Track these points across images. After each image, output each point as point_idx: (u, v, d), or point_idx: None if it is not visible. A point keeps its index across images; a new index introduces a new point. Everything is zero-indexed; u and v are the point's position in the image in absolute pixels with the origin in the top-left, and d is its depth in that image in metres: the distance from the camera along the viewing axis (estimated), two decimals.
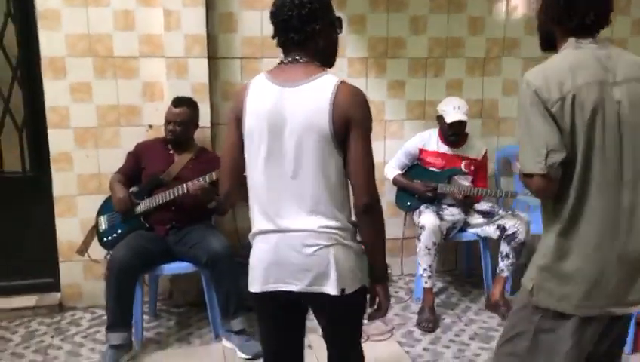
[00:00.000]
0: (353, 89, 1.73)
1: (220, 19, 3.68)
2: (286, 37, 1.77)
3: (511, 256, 3.55)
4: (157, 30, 3.56)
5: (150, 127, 3.66)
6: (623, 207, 1.69)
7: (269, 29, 3.71)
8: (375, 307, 1.88)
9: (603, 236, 1.69)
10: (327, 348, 1.96)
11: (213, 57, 3.67)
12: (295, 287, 1.76)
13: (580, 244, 1.71)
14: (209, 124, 3.63)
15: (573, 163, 1.67)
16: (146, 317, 3.44)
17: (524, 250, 3.58)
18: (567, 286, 1.73)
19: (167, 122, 3.30)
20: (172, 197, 3.16)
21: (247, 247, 1.85)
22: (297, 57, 1.76)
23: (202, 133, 3.55)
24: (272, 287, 1.78)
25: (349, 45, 3.86)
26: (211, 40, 3.63)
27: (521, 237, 3.52)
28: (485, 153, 3.84)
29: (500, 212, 3.70)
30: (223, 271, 3.07)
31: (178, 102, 3.31)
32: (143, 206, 3.24)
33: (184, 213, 3.24)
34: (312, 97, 1.70)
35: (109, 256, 3.24)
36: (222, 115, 3.75)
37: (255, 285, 1.81)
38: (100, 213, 3.38)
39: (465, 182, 3.78)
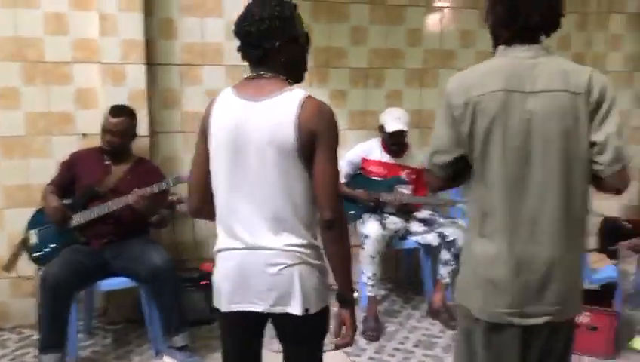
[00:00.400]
0: (319, 104, 1.69)
1: (159, 25, 3.57)
2: (246, 52, 1.72)
3: (451, 263, 3.62)
4: (92, 35, 3.41)
5: (84, 135, 3.50)
6: (524, 215, 1.69)
7: (209, 35, 3.73)
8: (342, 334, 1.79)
9: (502, 241, 1.70)
10: None
11: (152, 64, 3.56)
12: (260, 308, 1.71)
13: (484, 246, 1.74)
14: (147, 133, 3.51)
15: (474, 167, 1.72)
16: (80, 335, 3.27)
17: None
18: (475, 286, 1.77)
19: (105, 132, 3.16)
20: (106, 211, 3.03)
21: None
22: (262, 72, 1.72)
23: (140, 142, 3.43)
24: (237, 307, 1.73)
25: None
26: (149, 46, 3.51)
27: (460, 243, 3.60)
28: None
29: (440, 220, 3.77)
30: (165, 286, 2.96)
31: (117, 111, 3.17)
32: (79, 219, 3.08)
33: (123, 226, 3.11)
34: (276, 112, 1.66)
35: (41, 273, 3.07)
36: (160, 123, 3.64)
37: (220, 304, 1.76)
38: (30, 227, 3.19)
39: (406, 190, 3.84)
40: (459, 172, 1.78)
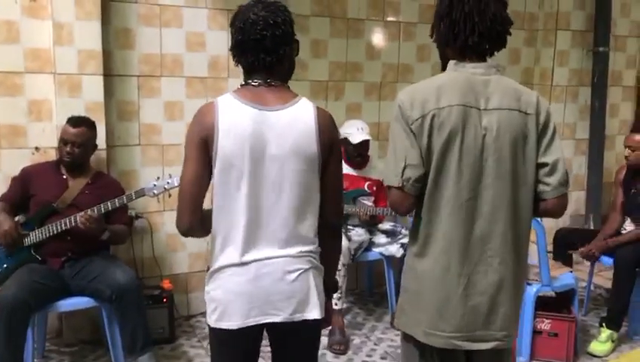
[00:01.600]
0: (328, 114, 1.75)
1: (116, 35, 3.46)
2: (256, 57, 1.67)
3: None
4: (45, 44, 3.26)
5: (36, 149, 3.33)
6: (474, 235, 1.67)
7: (168, 46, 3.66)
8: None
9: (449, 262, 1.67)
10: None
11: (109, 75, 3.43)
12: (278, 318, 1.69)
13: (430, 267, 1.70)
14: (104, 146, 3.38)
15: (425, 182, 1.68)
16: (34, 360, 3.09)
17: None
18: (419, 310, 1.73)
19: (64, 143, 3.02)
20: (63, 227, 2.89)
21: None
22: (268, 80, 1.69)
23: (97, 156, 3.29)
24: (253, 321, 1.68)
25: None
26: (106, 56, 3.39)
27: None
28: None
29: (403, 231, 3.81)
30: (129, 305, 2.84)
31: (77, 121, 3.04)
32: (33, 237, 2.92)
33: (81, 243, 2.97)
34: (297, 122, 1.67)
35: None
36: (117, 136, 3.52)
37: (232, 321, 1.68)
38: None
39: (368, 202, 3.85)
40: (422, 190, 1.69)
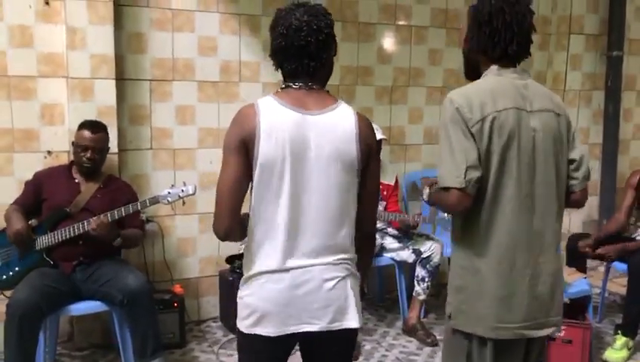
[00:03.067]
0: (368, 119, 1.74)
1: (129, 39, 3.47)
2: (299, 63, 1.65)
3: (427, 279, 3.64)
4: (59, 48, 3.28)
5: (49, 153, 3.34)
6: (534, 229, 1.77)
7: (180, 51, 3.66)
8: None
9: (515, 257, 1.75)
10: None
11: (121, 79, 3.44)
12: (316, 327, 1.66)
13: (492, 265, 1.76)
14: (116, 150, 3.38)
15: (485, 183, 1.73)
16: None
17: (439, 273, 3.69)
18: (482, 307, 1.78)
19: (83, 148, 3.02)
20: (76, 232, 2.89)
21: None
22: (310, 83, 1.68)
23: (109, 160, 3.29)
24: (291, 330, 1.66)
25: (270, 73, 3.79)
26: (118, 60, 3.40)
27: (436, 259, 3.63)
28: (396, 178, 3.94)
29: (414, 235, 3.78)
30: (141, 309, 2.84)
31: (94, 126, 3.05)
32: (45, 240, 2.92)
33: (93, 247, 2.96)
34: (338, 126, 1.65)
35: (2, 297, 2.92)
36: (129, 140, 3.53)
37: (268, 328, 1.66)
38: None
39: (380, 207, 3.83)
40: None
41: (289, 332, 1.66)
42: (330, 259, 1.66)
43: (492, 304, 1.76)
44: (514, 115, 1.73)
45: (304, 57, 1.64)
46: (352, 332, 1.72)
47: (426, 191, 1.93)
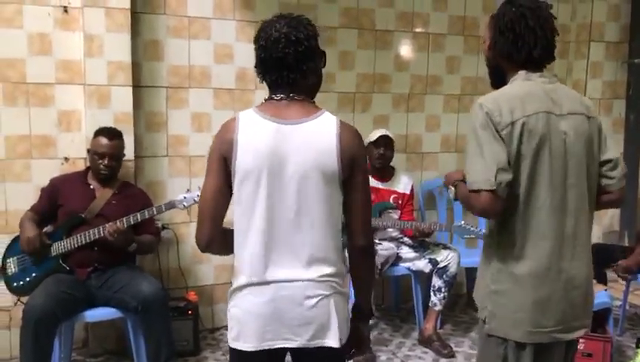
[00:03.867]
0: (354, 129, 1.69)
1: (145, 47, 3.49)
2: (279, 75, 1.64)
3: (443, 290, 3.59)
4: (76, 56, 3.30)
5: (66, 159, 3.36)
6: (567, 233, 1.77)
7: (196, 58, 3.67)
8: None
9: (550, 261, 1.76)
10: None
11: (137, 86, 3.46)
12: (294, 343, 1.63)
13: (530, 268, 1.77)
14: (132, 157, 3.39)
15: (516, 188, 1.73)
16: None
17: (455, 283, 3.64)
18: (518, 311, 1.78)
19: (100, 156, 3.04)
20: (91, 238, 2.90)
21: None
22: (292, 94, 1.66)
23: (125, 166, 3.31)
24: (268, 345, 1.63)
25: None
26: (135, 68, 3.42)
27: (453, 269, 3.58)
28: (412, 187, 3.90)
29: (431, 245, 3.74)
30: (155, 316, 2.84)
31: (111, 133, 3.08)
32: (61, 246, 2.93)
33: (108, 253, 2.97)
34: (317, 136, 1.62)
35: (19, 304, 2.94)
36: (145, 147, 3.54)
37: (247, 342, 1.64)
38: (8, 255, 3.03)
39: (394, 215, 3.80)
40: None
41: (267, 348, 1.64)
42: (314, 274, 1.62)
43: (528, 308, 1.77)
44: (544, 118, 1.73)
45: (283, 69, 1.63)
46: (332, 352, 1.66)
47: (452, 189, 1.92)
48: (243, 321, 1.65)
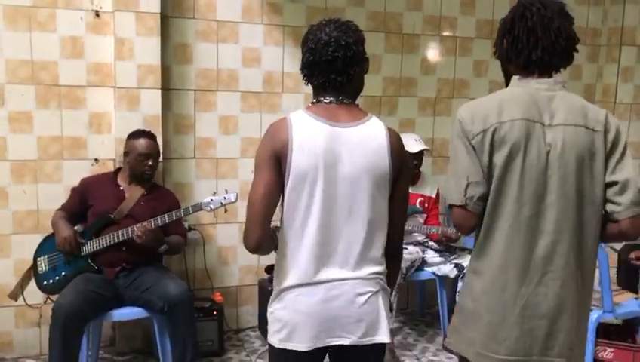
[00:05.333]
0: (398, 134, 1.75)
1: (175, 50, 3.54)
2: (326, 78, 1.67)
3: None
4: (107, 59, 3.36)
5: (96, 160, 3.43)
6: (536, 255, 1.61)
7: (224, 61, 3.71)
8: None
9: (505, 281, 1.62)
10: None
11: (166, 88, 3.51)
12: (347, 341, 1.66)
13: (486, 286, 1.65)
14: (161, 159, 3.43)
15: (485, 199, 1.64)
16: None
17: None
18: (473, 330, 1.68)
19: (145, 157, 3.09)
20: (121, 238, 2.94)
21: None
22: (341, 98, 1.69)
23: None
24: (322, 344, 1.66)
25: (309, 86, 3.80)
26: (164, 71, 3.47)
27: None
28: (438, 191, 3.88)
29: (456, 249, 3.72)
30: (181, 317, 2.87)
31: (150, 135, 3.15)
32: (91, 246, 2.99)
33: (136, 254, 3.01)
34: (370, 139, 1.66)
35: (48, 301, 3.00)
36: (173, 148, 3.59)
37: (302, 342, 1.66)
38: (39, 254, 3.10)
39: (419, 219, 3.78)
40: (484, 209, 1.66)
41: (321, 346, 1.66)
42: (363, 273, 1.66)
43: (481, 329, 1.66)
44: (521, 126, 1.59)
45: (331, 72, 1.66)
46: (382, 347, 1.74)
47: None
48: (294, 322, 1.67)
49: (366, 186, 1.64)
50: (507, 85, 1.77)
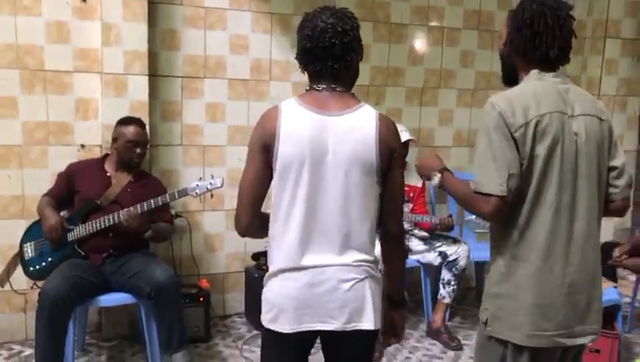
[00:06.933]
0: (391, 121, 1.75)
1: (162, 36, 3.52)
2: (324, 65, 1.68)
3: (452, 283, 3.61)
4: (94, 44, 3.34)
5: (82, 146, 3.41)
6: (574, 236, 1.74)
7: (212, 48, 3.70)
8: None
9: (552, 264, 1.73)
10: None
11: (153, 75, 3.50)
12: (331, 326, 1.68)
13: (532, 270, 1.74)
14: (148, 146, 3.43)
15: (526, 187, 1.71)
16: None
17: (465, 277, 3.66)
18: (519, 314, 1.75)
19: (134, 144, 3.08)
20: (107, 224, 2.95)
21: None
22: (333, 85, 1.70)
23: None
24: (305, 327, 1.68)
25: (300, 73, 3.80)
26: (151, 57, 3.46)
27: (462, 263, 3.60)
28: (424, 180, 3.90)
29: (441, 238, 3.75)
30: (167, 302, 2.88)
31: (140, 122, 3.14)
32: (77, 232, 2.99)
33: (123, 240, 3.02)
34: (357, 128, 1.67)
35: (35, 287, 2.99)
36: (160, 135, 3.58)
37: (285, 324, 1.69)
38: (25, 240, 3.09)
39: (405, 209, 3.82)
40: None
41: (303, 330, 1.69)
42: (349, 259, 1.68)
43: (529, 311, 1.74)
44: (557, 118, 1.71)
45: (328, 59, 1.66)
46: (368, 334, 1.73)
47: (437, 176, 1.88)
48: (280, 304, 1.69)
49: (353, 175, 1.66)
50: (506, 78, 1.89)
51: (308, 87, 1.74)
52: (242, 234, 1.76)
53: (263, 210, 1.76)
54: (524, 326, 1.75)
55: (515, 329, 1.76)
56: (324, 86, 1.70)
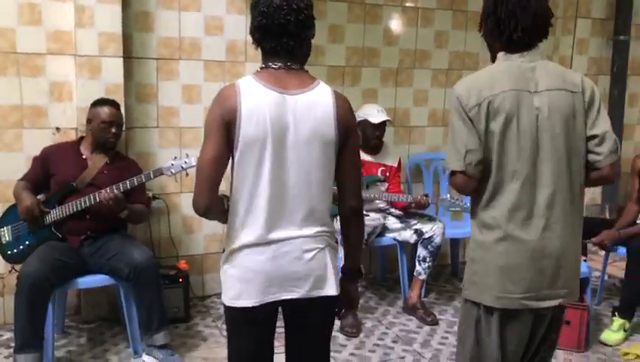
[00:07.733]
0: (345, 97, 1.80)
1: (136, 18, 3.50)
2: (278, 42, 1.70)
3: (428, 260, 3.69)
4: (67, 26, 3.31)
5: (57, 129, 3.39)
6: (539, 204, 1.83)
7: (187, 30, 3.69)
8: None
9: (515, 230, 1.84)
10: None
11: (128, 57, 3.48)
12: (296, 294, 1.74)
13: (496, 236, 1.86)
14: (123, 128, 3.41)
15: (489, 163, 1.85)
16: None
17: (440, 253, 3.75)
18: (488, 277, 1.88)
19: (108, 124, 3.08)
20: (84, 206, 2.95)
21: None
22: (289, 63, 1.73)
23: None
24: (271, 298, 1.73)
25: None
26: (126, 39, 3.43)
27: (437, 240, 3.68)
28: (400, 160, 3.97)
29: (416, 216, 3.82)
30: (146, 283, 2.90)
31: (113, 103, 3.14)
32: (54, 214, 2.98)
33: (100, 222, 3.03)
34: (316, 106, 1.71)
35: (13, 271, 2.99)
36: (136, 117, 3.57)
37: (250, 298, 1.73)
38: (1, 224, 3.08)
39: (381, 188, 3.87)
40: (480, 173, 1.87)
41: (268, 301, 1.73)
42: (310, 231, 1.74)
43: (496, 274, 1.86)
44: (512, 96, 1.81)
45: (284, 36, 1.68)
46: (330, 300, 1.80)
47: None
48: (245, 279, 1.73)
49: (314, 152, 1.70)
50: (493, 59, 1.98)
51: (263, 65, 1.75)
52: (203, 214, 1.74)
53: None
54: (493, 289, 1.87)
55: (485, 292, 1.88)
56: (280, 64, 1.72)
